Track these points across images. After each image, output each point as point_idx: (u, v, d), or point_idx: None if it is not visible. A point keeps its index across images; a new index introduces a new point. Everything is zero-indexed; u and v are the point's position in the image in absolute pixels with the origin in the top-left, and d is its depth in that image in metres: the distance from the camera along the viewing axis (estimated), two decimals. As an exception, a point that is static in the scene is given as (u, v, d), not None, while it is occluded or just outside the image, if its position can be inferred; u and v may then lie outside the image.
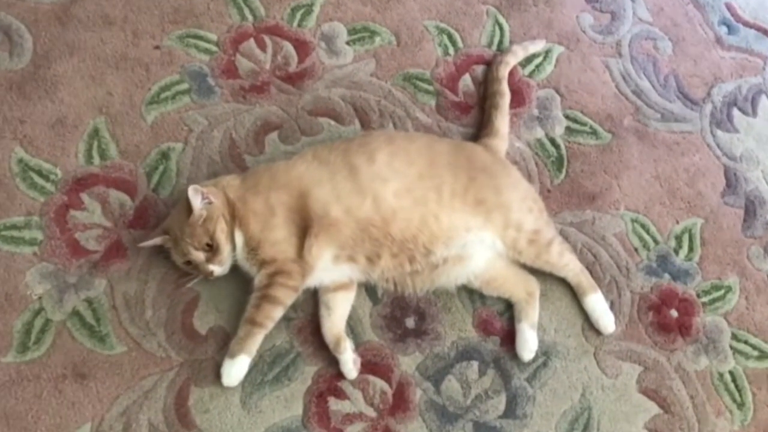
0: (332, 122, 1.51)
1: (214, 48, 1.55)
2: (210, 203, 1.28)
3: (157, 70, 1.51)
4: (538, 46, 1.65)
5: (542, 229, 1.39)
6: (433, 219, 1.32)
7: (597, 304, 1.40)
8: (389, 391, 1.31)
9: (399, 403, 1.31)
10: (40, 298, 1.30)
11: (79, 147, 1.42)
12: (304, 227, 1.30)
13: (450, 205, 1.34)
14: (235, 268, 1.33)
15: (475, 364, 1.35)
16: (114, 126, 1.45)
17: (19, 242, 1.34)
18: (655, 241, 1.50)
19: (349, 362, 1.30)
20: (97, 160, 1.42)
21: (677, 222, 1.52)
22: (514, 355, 1.36)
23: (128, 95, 1.48)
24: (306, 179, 1.32)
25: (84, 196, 1.39)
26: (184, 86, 1.50)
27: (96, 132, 1.44)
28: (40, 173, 1.39)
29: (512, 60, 1.60)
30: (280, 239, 1.30)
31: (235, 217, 1.30)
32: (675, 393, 1.37)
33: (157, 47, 1.53)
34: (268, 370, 1.30)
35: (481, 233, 1.35)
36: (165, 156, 1.43)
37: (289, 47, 1.58)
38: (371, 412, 1.29)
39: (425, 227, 1.32)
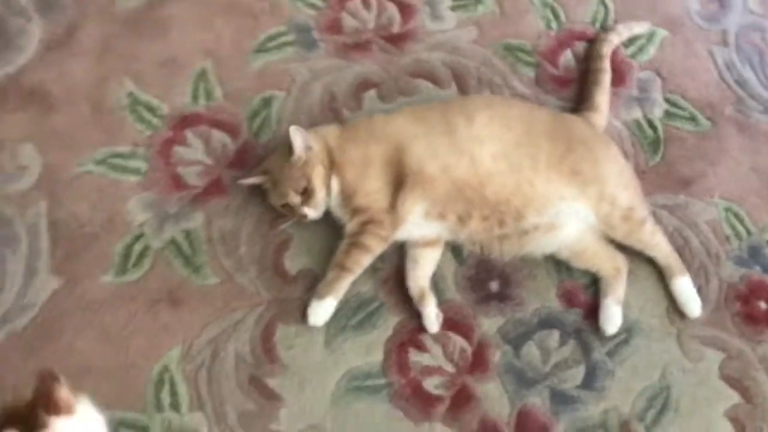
0: (430, 85, 1.53)
1: (320, 3, 1.58)
2: (310, 148, 1.31)
3: (265, 20, 1.55)
4: (642, 27, 1.63)
5: (636, 207, 1.37)
6: (528, 185, 1.33)
7: (685, 287, 1.38)
8: (469, 350, 1.32)
9: (478, 362, 1.32)
10: (141, 224, 1.35)
11: (187, 87, 1.47)
12: (399, 180, 1.32)
13: (545, 173, 1.33)
14: (327, 216, 1.36)
15: (556, 333, 1.35)
16: (220, 70, 1.49)
17: (124, 170, 1.39)
18: (748, 233, 1.46)
19: (432, 316, 1.31)
20: (202, 100, 1.46)
21: (772, 215, 1.49)
22: (596, 329, 1.35)
23: (236, 42, 1.52)
24: (403, 134, 1.34)
25: (188, 133, 1.43)
26: (290, 38, 1.54)
27: (203, 74, 1.48)
28: (148, 108, 1.44)
29: (615, 39, 1.59)
30: (374, 189, 1.32)
31: (332, 165, 1.32)
32: (759, 384, 1.34)
33: (265, -3, 1.57)
34: (352, 315, 1.32)
35: (575, 204, 1.34)
36: (267, 103, 1.47)
37: (393, 9, 1.60)
38: (450, 368, 1.30)
39: (519, 192, 1.32)
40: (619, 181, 1.38)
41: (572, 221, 1.35)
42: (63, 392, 0.91)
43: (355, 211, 1.32)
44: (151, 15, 1.52)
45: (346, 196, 1.32)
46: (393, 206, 1.31)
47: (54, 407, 0.90)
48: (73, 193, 1.35)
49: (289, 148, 1.30)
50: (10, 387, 1.19)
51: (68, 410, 0.92)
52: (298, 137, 1.29)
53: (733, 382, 1.34)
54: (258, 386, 1.26)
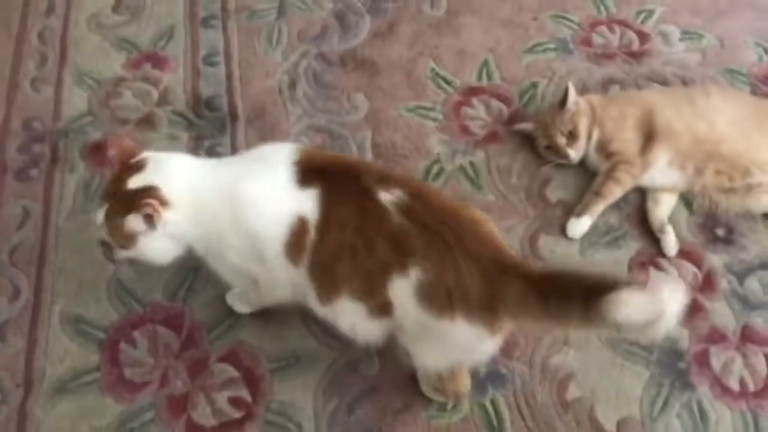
0: (663, 87, 1.91)
1: (575, 27, 2.03)
2: (578, 103, 1.70)
3: (534, 33, 2.01)
4: None
5: None
6: (755, 148, 1.64)
7: None
8: (699, 275, 1.59)
9: (707, 284, 1.57)
10: (438, 154, 1.76)
11: (473, 70, 1.93)
12: (648, 136, 1.67)
13: (770, 139, 1.65)
14: (581, 167, 1.72)
15: (776, 274, 1.60)
16: (498, 61, 1.94)
17: (426, 117, 1.83)
18: None
19: (671, 242, 1.60)
20: (484, 80, 1.91)
21: None
22: (814, 281, 1.59)
23: (510, 45, 1.98)
24: (654, 102, 1.71)
25: (473, 100, 1.87)
26: (552, 46, 1.98)
27: (485, 62, 1.94)
28: (445, 80, 1.90)
29: None
30: (629, 138, 1.67)
31: (595, 118, 1.70)
32: None
33: (534, 18, 2.04)
34: (602, 236, 1.64)
35: (795, 168, 1.64)
36: (534, 85, 1.90)
37: (632, 35, 2.02)
38: (682, 284, 1.57)
39: (748, 153, 1.63)
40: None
41: (791, 183, 1.64)
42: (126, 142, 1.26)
43: (611, 155, 1.67)
44: (449, 21, 2.02)
45: (604, 142, 1.68)
46: (643, 153, 1.66)
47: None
48: (390, 127, 1.80)
49: (560, 102, 1.70)
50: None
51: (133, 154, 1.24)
52: (572, 91, 1.69)
53: None
54: (526, 272, 1.58)
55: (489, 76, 1.92)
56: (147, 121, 1.79)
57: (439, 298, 1.12)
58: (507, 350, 1.46)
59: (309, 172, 1.19)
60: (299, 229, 1.17)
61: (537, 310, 1.09)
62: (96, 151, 1.72)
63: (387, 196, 1.15)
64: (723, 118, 1.66)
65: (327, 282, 1.19)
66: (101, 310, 1.48)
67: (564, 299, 1.06)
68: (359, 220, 1.15)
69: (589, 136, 1.70)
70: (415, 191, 1.17)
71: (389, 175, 1.20)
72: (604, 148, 1.69)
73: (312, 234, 1.17)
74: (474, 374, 1.41)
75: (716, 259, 1.61)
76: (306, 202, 1.17)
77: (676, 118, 1.67)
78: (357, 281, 1.17)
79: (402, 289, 1.14)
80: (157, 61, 1.92)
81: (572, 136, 1.69)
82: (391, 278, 1.14)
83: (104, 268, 1.53)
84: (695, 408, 1.41)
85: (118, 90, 1.85)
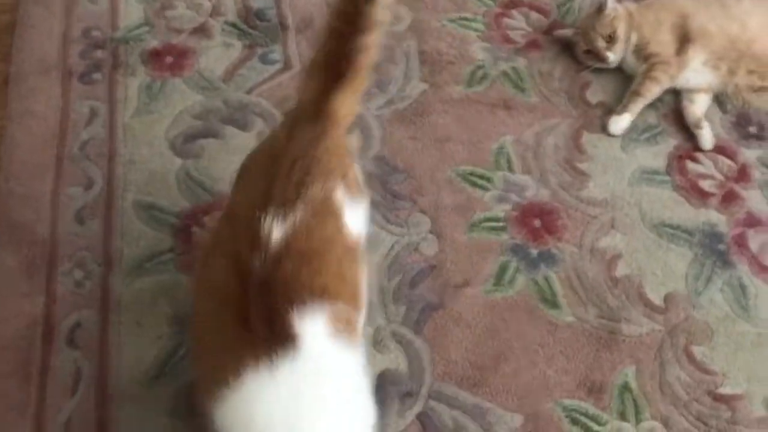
0: None
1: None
2: (616, 9, 1.78)
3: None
4: None
5: None
6: (786, 49, 1.72)
7: None
8: (734, 167, 1.67)
9: (742, 175, 1.66)
10: (482, 60, 1.83)
11: (511, -16, 2.00)
12: (683, 38, 1.75)
13: (800, 42, 1.73)
14: (618, 72, 1.79)
15: (809, 167, 1.68)
16: (535, -23, 2.02)
17: (468, 28, 1.90)
18: None
19: (707, 135, 1.69)
20: (525, -6, 1.99)
21: None
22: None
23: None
24: (688, 7, 1.78)
25: (513, 11, 1.94)
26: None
27: (523, -23, 2.02)
28: (485, -7, 1.98)
29: None
30: (665, 40, 1.75)
31: (632, 23, 1.77)
32: None
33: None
34: (640, 134, 1.72)
35: (824, 70, 1.72)
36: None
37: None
38: (720, 176, 1.66)
39: (780, 53, 1.72)
40: None
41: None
42: None
43: (649, 56, 1.74)
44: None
45: (642, 45, 1.76)
46: (679, 53, 1.73)
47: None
48: (434, 36, 1.87)
49: (599, 8, 1.77)
50: (398, 141, 1.67)
51: None
52: (612, -4, 1.77)
53: None
54: (571, 166, 1.66)
55: (530, -9, 1.99)
56: (201, 30, 1.85)
57: None
58: (557, 232, 1.55)
59: None
60: None
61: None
62: (155, 57, 1.79)
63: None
64: (755, 20, 1.74)
65: None
66: (172, 198, 1.55)
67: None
68: None
69: (627, 40, 1.77)
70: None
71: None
72: (642, 51, 1.76)
73: None
74: (525, 253, 1.51)
75: (750, 154, 1.70)
76: None
77: (710, 21, 1.74)
78: None
79: None
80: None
81: (611, 40, 1.76)
82: None
83: (173, 162, 1.60)
84: (736, 283, 1.50)
85: (172, 2, 1.91)
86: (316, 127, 1.09)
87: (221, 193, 1.55)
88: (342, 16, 1.10)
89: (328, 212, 1.05)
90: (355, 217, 1.10)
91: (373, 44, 1.11)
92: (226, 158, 1.59)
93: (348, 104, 1.14)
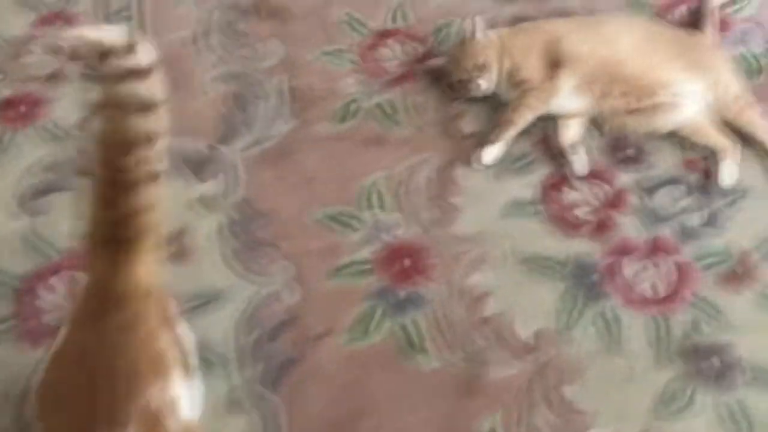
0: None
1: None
2: (486, 36, 1.74)
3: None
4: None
5: (746, 95, 1.71)
6: (657, 68, 1.69)
7: (794, 163, 1.68)
8: (610, 191, 1.64)
9: (617, 201, 1.62)
10: (354, 93, 1.78)
11: (388, 14, 1.94)
12: (555, 64, 1.72)
13: (670, 61, 1.71)
14: (493, 100, 1.75)
15: (682, 187, 1.64)
16: (412, 4, 1.96)
17: (341, 60, 1.85)
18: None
19: (581, 160, 1.65)
20: (400, 21, 1.93)
21: None
22: (716, 190, 1.64)
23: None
24: (561, 30, 1.75)
25: (388, 41, 1.89)
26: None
27: (400, 5, 1.95)
28: (359, 23, 1.92)
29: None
30: (536, 66, 1.71)
31: (502, 51, 1.74)
32: None
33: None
34: (514, 162, 1.67)
35: (694, 86, 1.69)
36: (448, 24, 1.91)
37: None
38: (595, 202, 1.62)
39: (650, 73, 1.69)
40: (731, 74, 1.73)
41: (692, 100, 1.69)
42: None
43: (520, 83, 1.71)
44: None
45: (513, 71, 1.72)
46: (550, 79, 1.70)
47: None
48: (306, 70, 1.82)
49: (470, 35, 1.73)
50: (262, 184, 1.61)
51: None
52: (479, 24, 1.72)
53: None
54: (442, 201, 1.61)
55: (404, 17, 1.94)
56: (57, 76, 1.77)
57: None
58: (426, 272, 1.50)
59: None
60: None
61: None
62: (7, 107, 1.70)
63: None
64: (626, 41, 1.72)
65: None
66: (16, 259, 1.47)
67: None
68: None
69: (499, 67, 1.73)
70: None
71: None
72: (514, 78, 1.72)
73: None
74: (392, 296, 1.45)
75: (626, 178, 1.67)
76: None
77: (581, 44, 1.71)
78: None
79: None
80: (67, 18, 1.89)
81: (481, 68, 1.72)
82: None
83: (19, 219, 1.52)
84: (608, 315, 1.46)
85: (28, 48, 1.82)
86: (122, 316, 0.94)
87: (73, 251, 1.47)
88: (105, 175, 0.90)
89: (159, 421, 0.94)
90: (188, 401, 1.00)
91: (154, 200, 0.93)
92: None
93: (150, 272, 0.97)
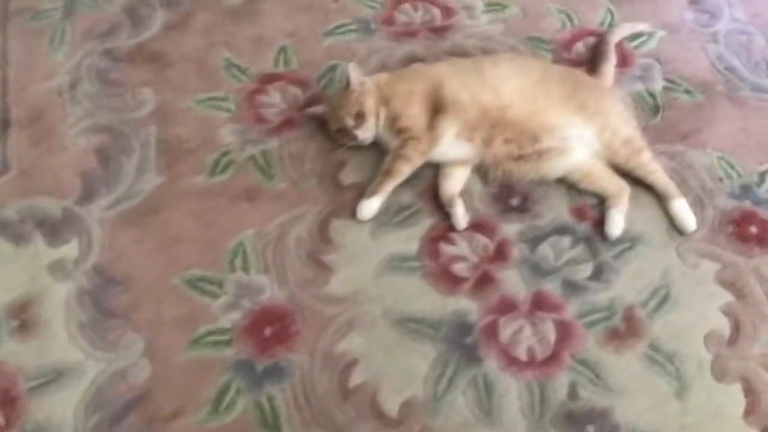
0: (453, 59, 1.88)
1: (378, 6, 1.99)
2: (363, 83, 1.66)
3: (335, 15, 1.96)
4: (643, 26, 1.97)
5: (636, 138, 1.64)
6: (542, 113, 1.62)
7: (681, 208, 1.60)
8: (491, 246, 1.56)
9: (498, 255, 1.55)
10: (228, 144, 1.69)
11: (271, 56, 1.86)
12: (436, 109, 1.64)
13: (556, 105, 1.63)
14: (375, 147, 1.67)
15: (568, 238, 1.57)
16: (298, 46, 1.89)
17: (218, 108, 1.76)
18: (739, 175, 1.69)
19: (460, 214, 1.57)
20: (282, 66, 1.85)
21: (761, 164, 1.72)
22: (604, 239, 1.57)
23: (311, 28, 1.93)
24: (442, 75, 1.67)
25: (269, 87, 1.81)
26: (353, 27, 1.94)
27: (284, 48, 1.88)
28: (239, 68, 1.83)
29: (620, 32, 1.93)
30: (416, 114, 1.63)
31: (381, 97, 1.66)
32: (750, 287, 1.52)
33: (336, 1, 1.99)
34: (393, 216, 1.59)
35: (582, 131, 1.62)
36: (332, 69, 1.84)
37: (436, 11, 1.99)
38: (474, 258, 1.54)
39: (534, 118, 1.61)
40: (620, 117, 1.66)
41: (580, 146, 1.62)
42: None
43: (400, 131, 1.63)
44: (247, 8, 1.96)
45: (393, 120, 1.64)
46: (430, 128, 1.62)
47: None
48: (178, 120, 1.72)
49: (347, 83, 1.65)
50: (120, 247, 1.51)
51: None
52: (354, 71, 1.64)
53: (727, 284, 1.51)
54: (314, 259, 1.52)
55: (287, 62, 1.86)
56: None
57: None
58: (289, 341, 1.40)
59: None
60: None
61: None
62: None
63: None
64: (509, 86, 1.64)
65: None
66: None
67: None
68: None
69: (377, 115, 1.65)
70: None
71: None
72: (393, 126, 1.64)
73: None
74: (250, 370, 1.35)
75: (510, 229, 1.59)
76: None
77: (462, 90, 1.64)
78: None
79: None
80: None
81: (360, 117, 1.64)
82: None
83: None
84: (481, 382, 1.38)
85: None
86: None
87: None
88: None
89: None
90: None
91: None
92: None
93: None
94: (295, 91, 1.80)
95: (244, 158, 1.67)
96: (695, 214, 1.60)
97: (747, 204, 1.65)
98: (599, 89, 1.72)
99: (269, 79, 1.82)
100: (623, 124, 1.65)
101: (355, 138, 1.64)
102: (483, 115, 1.62)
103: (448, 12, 1.99)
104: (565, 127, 1.62)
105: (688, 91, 1.84)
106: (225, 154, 1.67)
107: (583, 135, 1.62)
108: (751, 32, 2.00)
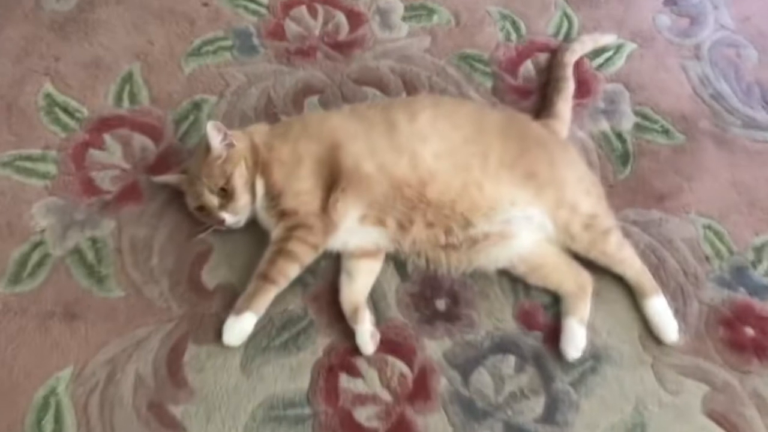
0: (378, 92, 1.42)
1: (263, 11, 1.49)
2: (232, 145, 1.18)
3: (203, 26, 1.46)
4: (608, 39, 1.53)
5: (600, 215, 1.22)
6: (476, 187, 1.18)
7: (659, 308, 1.21)
8: (410, 376, 1.14)
9: (419, 390, 1.13)
10: (43, 231, 1.20)
11: (111, 89, 1.36)
12: (332, 182, 1.18)
13: (496, 174, 1.19)
14: (255, 227, 1.21)
15: (511, 359, 1.17)
16: (149, 73, 1.38)
17: (31, 174, 1.26)
18: (730, 252, 1.31)
19: (366, 334, 1.14)
20: (126, 103, 1.35)
21: (756, 234, 1.33)
22: (558, 355, 1.17)
23: (169, 46, 1.42)
24: (340, 131, 1.21)
25: (106, 137, 1.31)
26: (228, 43, 1.44)
27: (130, 76, 1.38)
28: (65, 110, 1.33)
29: (579, 49, 1.49)
30: (304, 190, 1.17)
31: (257, 164, 1.19)
32: (748, 421, 1.15)
33: (205, 4, 1.48)
34: (276, 335, 1.15)
35: (529, 209, 1.19)
36: (197, 107, 1.36)
37: (341, 17, 1.51)
38: (387, 396, 1.12)
39: (466, 195, 1.18)
40: (579, 186, 1.23)
41: (527, 230, 1.20)
42: None
43: (282, 215, 1.17)
44: (79, 18, 1.44)
45: (273, 197, 1.18)
46: (325, 210, 1.16)
47: None
48: (-28, 195, 1.22)
49: (207, 146, 1.17)
50: None
51: None
52: (215, 132, 1.16)
53: (718, 418, 1.15)
54: (158, 414, 1.07)
55: (133, 98, 1.36)
56: None
57: None
58: None
59: None
60: None
61: None
62: None
63: None
64: (431, 148, 1.19)
65: None
66: None
67: None
68: None
69: (253, 189, 1.19)
70: None
71: None
72: (274, 206, 1.18)
73: None
74: None
75: (434, 348, 1.17)
76: None
77: (368, 156, 1.18)
78: None
79: None
80: None
81: (226, 194, 1.17)
82: None
83: None
84: None
85: None
86: None
87: None
88: None
89: None
90: None
91: None
92: None
93: None
94: (142, 141, 1.31)
95: (65, 252, 1.19)
96: (677, 310, 1.23)
97: (741, 294, 1.27)
98: (552, 146, 1.27)
99: (106, 124, 1.32)
100: (584, 197, 1.22)
101: (221, 222, 1.18)
102: (396, 192, 1.17)
103: (355, 19, 1.50)
104: (506, 205, 1.19)
105: (665, 131, 1.43)
106: (36, 246, 1.19)
107: (531, 215, 1.20)
108: (740, 44, 1.58)
